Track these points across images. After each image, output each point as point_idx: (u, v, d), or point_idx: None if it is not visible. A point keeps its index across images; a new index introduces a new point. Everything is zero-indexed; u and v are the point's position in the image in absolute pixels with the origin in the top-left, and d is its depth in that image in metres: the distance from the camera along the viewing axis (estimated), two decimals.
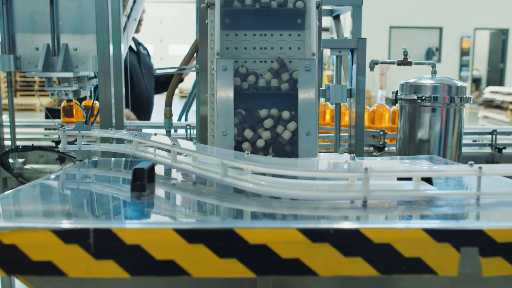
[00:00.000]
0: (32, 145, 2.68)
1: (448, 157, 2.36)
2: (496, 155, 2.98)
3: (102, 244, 1.03)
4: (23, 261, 1.03)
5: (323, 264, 1.05)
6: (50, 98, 3.50)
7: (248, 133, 1.77)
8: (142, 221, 1.25)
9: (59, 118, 3.15)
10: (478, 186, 1.28)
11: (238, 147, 1.76)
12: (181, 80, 2.85)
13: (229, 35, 1.86)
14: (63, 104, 3.03)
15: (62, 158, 2.77)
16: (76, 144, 1.91)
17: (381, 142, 2.93)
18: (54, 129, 3.14)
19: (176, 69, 2.40)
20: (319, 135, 2.46)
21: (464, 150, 2.81)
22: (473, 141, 3.12)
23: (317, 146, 1.76)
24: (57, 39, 2.55)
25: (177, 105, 3.11)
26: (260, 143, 1.76)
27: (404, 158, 1.99)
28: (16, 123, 2.72)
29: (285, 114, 1.78)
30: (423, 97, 2.30)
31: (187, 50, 2.39)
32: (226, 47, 1.85)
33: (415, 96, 2.32)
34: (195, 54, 2.36)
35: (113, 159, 2.11)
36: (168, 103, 2.48)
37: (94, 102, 2.59)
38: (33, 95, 13.82)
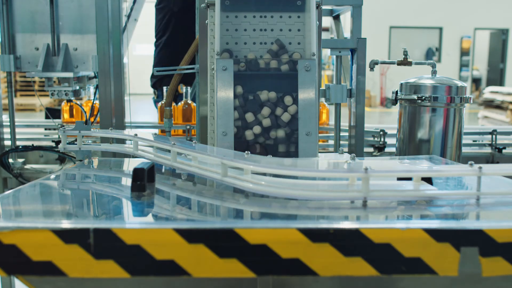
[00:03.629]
0: (32, 145, 2.68)
1: (448, 157, 2.36)
2: (496, 155, 2.98)
3: (102, 244, 1.03)
4: (23, 261, 1.03)
5: (323, 264, 1.05)
6: (50, 98, 3.50)
7: (249, 116, 1.77)
8: (142, 221, 1.25)
9: (59, 118, 3.15)
10: (478, 186, 1.28)
11: (239, 133, 1.77)
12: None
13: (229, 16, 1.86)
14: (63, 104, 3.04)
15: (62, 158, 2.77)
16: (76, 144, 1.91)
17: (381, 142, 2.93)
18: (54, 129, 3.14)
19: (176, 69, 2.40)
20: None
21: (464, 150, 2.81)
22: (473, 141, 3.12)
23: (317, 146, 1.76)
24: (57, 39, 2.55)
25: None
26: (256, 129, 1.76)
27: (404, 158, 1.99)
28: (16, 123, 2.72)
29: (286, 98, 1.78)
30: (423, 97, 2.30)
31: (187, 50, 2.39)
32: (226, 29, 1.86)
33: (415, 96, 2.32)
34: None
35: (113, 159, 2.11)
36: (168, 103, 2.48)
37: (94, 102, 2.59)
38: (33, 95, 13.82)
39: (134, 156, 1.83)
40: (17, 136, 2.73)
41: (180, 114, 2.96)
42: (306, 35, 1.85)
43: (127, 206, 1.38)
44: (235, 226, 1.04)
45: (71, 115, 3.11)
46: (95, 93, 2.57)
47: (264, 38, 1.86)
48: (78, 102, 2.84)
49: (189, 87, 3.02)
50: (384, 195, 1.29)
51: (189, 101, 2.99)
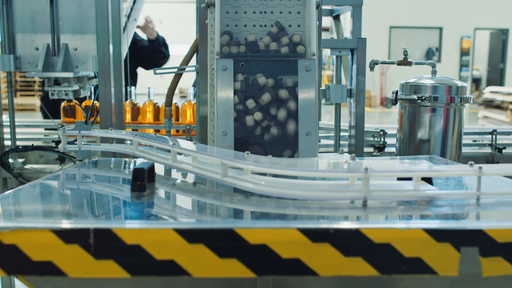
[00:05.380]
0: (32, 145, 2.68)
1: (448, 157, 2.36)
2: (496, 155, 2.98)
3: (102, 244, 1.03)
4: (23, 261, 1.03)
5: (323, 264, 1.05)
6: (50, 98, 3.49)
7: (250, 103, 1.77)
8: (142, 221, 1.25)
9: (59, 118, 3.15)
10: (478, 186, 1.28)
11: (240, 117, 1.77)
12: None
13: None
14: (63, 104, 3.04)
15: (62, 158, 2.77)
16: (76, 144, 1.91)
17: (381, 142, 2.93)
18: (54, 129, 3.14)
19: (176, 69, 2.40)
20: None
21: (464, 150, 2.81)
22: (473, 141, 3.12)
23: (317, 146, 1.76)
24: (57, 39, 2.55)
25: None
26: (257, 116, 1.77)
27: (404, 158, 1.99)
28: (16, 123, 2.72)
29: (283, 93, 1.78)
30: (423, 97, 2.30)
31: (187, 50, 2.39)
32: (226, 11, 1.86)
33: (415, 96, 2.32)
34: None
35: (113, 159, 2.11)
36: (168, 103, 2.48)
37: (94, 102, 2.59)
38: (33, 95, 13.82)
39: (134, 156, 1.83)
40: (17, 136, 2.73)
41: (128, 113, 2.98)
42: (306, 18, 1.85)
43: (127, 206, 1.38)
44: (235, 226, 1.04)
45: (71, 115, 3.10)
46: (95, 93, 2.57)
47: (264, 21, 1.87)
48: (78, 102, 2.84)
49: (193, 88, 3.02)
50: (384, 195, 1.29)
51: (135, 101, 3.00)
